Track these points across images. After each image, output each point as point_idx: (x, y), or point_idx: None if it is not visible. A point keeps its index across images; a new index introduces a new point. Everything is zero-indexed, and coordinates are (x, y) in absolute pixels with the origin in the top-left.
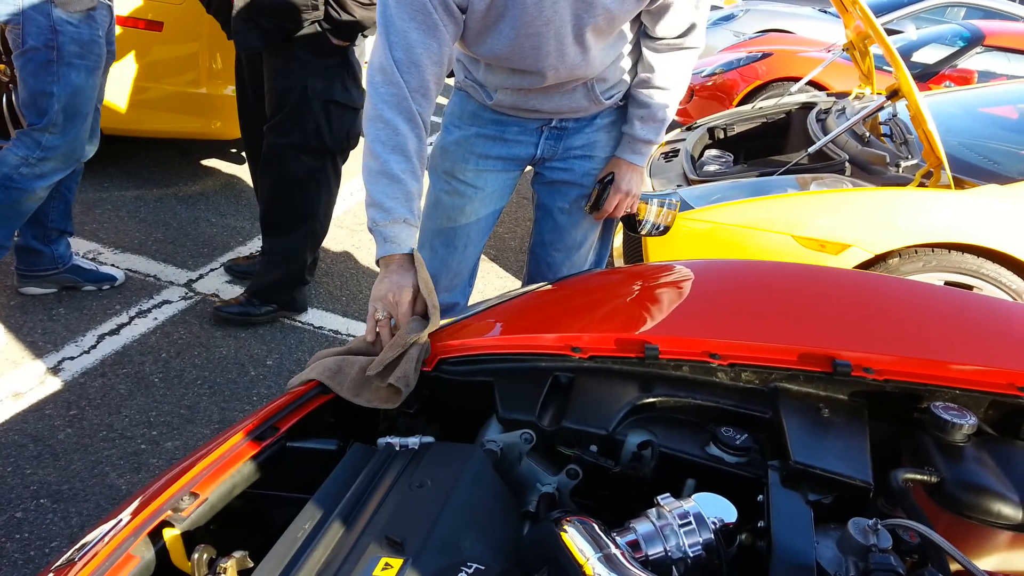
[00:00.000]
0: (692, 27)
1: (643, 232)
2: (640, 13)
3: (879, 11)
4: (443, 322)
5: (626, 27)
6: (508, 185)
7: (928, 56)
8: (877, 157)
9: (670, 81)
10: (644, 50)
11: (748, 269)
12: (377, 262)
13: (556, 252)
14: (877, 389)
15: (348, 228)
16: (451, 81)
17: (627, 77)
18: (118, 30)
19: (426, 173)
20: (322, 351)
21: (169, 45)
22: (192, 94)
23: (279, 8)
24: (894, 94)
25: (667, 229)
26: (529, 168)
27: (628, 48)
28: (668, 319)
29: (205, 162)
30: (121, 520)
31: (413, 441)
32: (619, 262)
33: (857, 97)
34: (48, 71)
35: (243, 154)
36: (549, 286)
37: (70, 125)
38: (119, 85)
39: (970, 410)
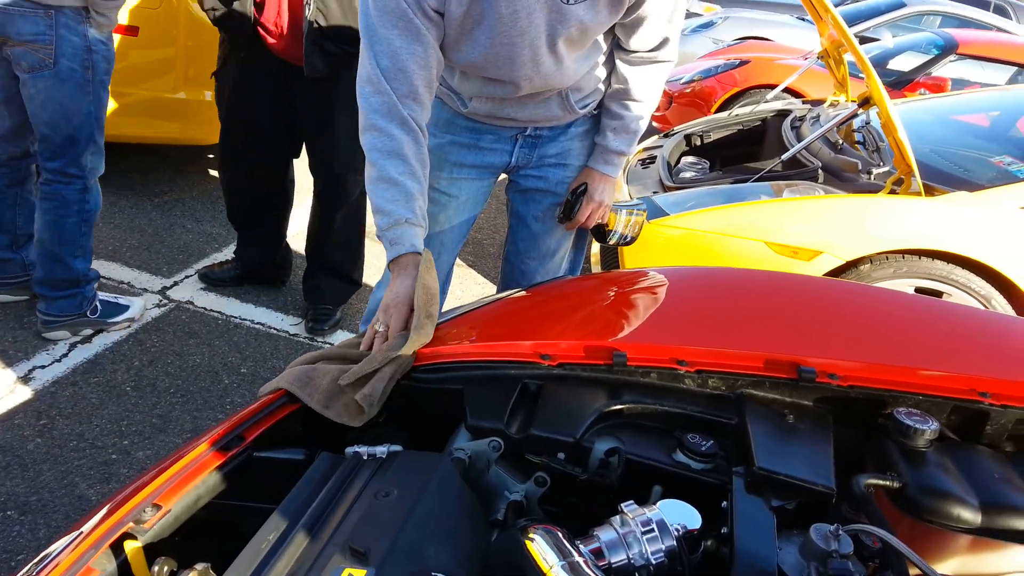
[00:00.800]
0: (665, 41)
1: (611, 242)
2: (614, 25)
3: (856, 19)
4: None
5: (600, 38)
6: (483, 193)
7: (904, 64)
8: (849, 164)
9: (643, 93)
10: (617, 62)
11: (717, 276)
12: (389, 268)
13: (530, 260)
14: (842, 395)
15: None
16: None
17: (601, 86)
18: None
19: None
20: (298, 358)
21: (145, 50)
22: (170, 99)
23: (343, 33)
24: (866, 102)
25: (635, 239)
26: (504, 175)
27: (602, 58)
28: (637, 326)
29: (182, 167)
30: (82, 532)
31: (381, 450)
32: (596, 269)
33: (832, 105)
34: (85, 91)
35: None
36: (522, 292)
37: (101, 140)
38: None
39: (933, 415)
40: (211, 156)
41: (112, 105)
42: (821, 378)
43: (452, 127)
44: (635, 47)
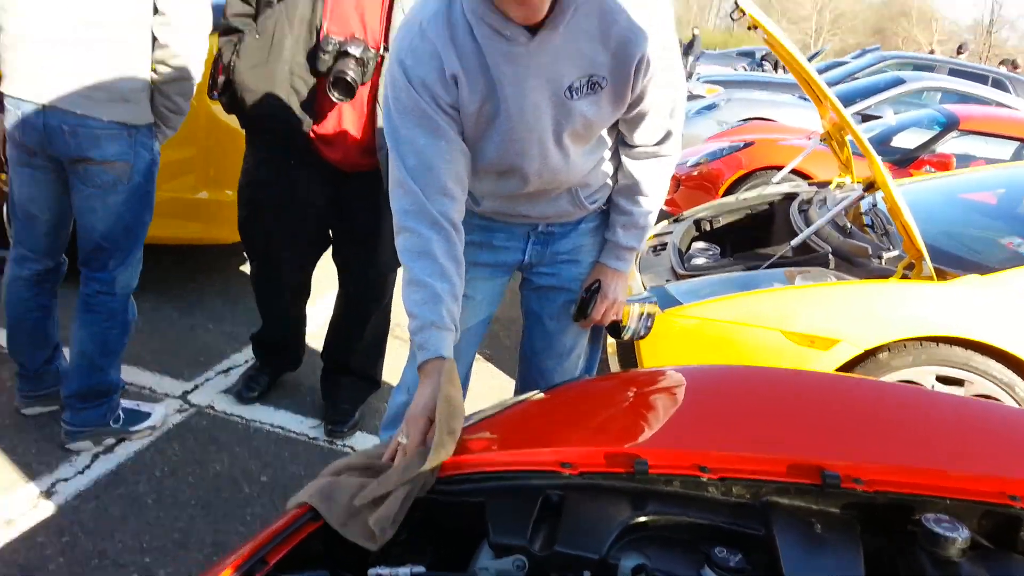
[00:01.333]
0: (668, 135)
1: (626, 337)
2: (618, 121)
3: (856, 96)
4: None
5: (604, 133)
6: (497, 291)
7: (907, 141)
8: (859, 249)
9: (650, 188)
10: (623, 158)
11: (736, 375)
12: (418, 372)
13: (547, 359)
14: (868, 501)
15: None
16: None
17: (609, 182)
18: None
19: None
20: (326, 468)
21: (167, 150)
22: (190, 200)
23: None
24: (871, 186)
25: (648, 332)
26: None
27: (608, 154)
28: (658, 430)
29: (201, 267)
30: None
31: (403, 572)
32: (613, 364)
33: (838, 186)
34: (146, 202)
35: (245, 261)
36: (541, 395)
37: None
38: None
39: (963, 521)
40: (230, 255)
41: None
42: (846, 483)
43: (465, 227)
44: (638, 141)
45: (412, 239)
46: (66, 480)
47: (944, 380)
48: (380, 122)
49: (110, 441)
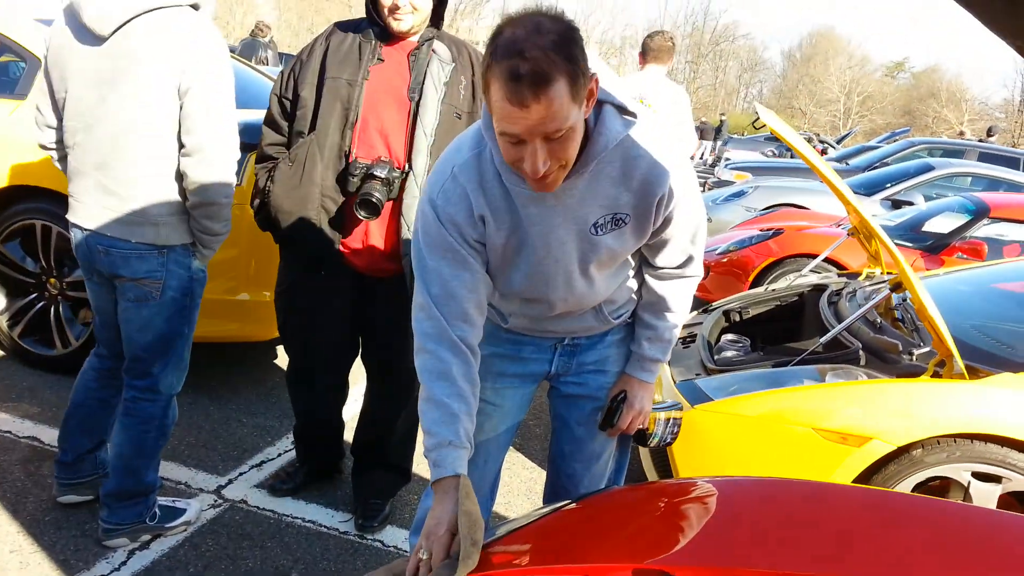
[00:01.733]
0: (690, 259)
1: (652, 444)
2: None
3: (885, 182)
4: None
5: (628, 256)
6: (526, 400)
7: (939, 226)
8: (890, 345)
9: (674, 304)
10: (646, 277)
11: (767, 488)
12: (431, 488)
13: (576, 463)
14: None
15: None
16: None
17: (634, 296)
18: None
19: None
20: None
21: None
22: (230, 301)
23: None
24: (898, 286)
25: (675, 439)
26: None
27: (632, 271)
28: (686, 546)
29: (236, 361)
30: None
31: None
32: (647, 462)
33: (868, 277)
34: (183, 316)
35: (279, 356)
36: (572, 505)
37: (188, 355)
38: None
39: None
40: (266, 349)
41: None
42: None
43: (494, 339)
44: (661, 264)
45: (432, 361)
46: None
47: (980, 476)
48: (404, 232)
49: (146, 537)
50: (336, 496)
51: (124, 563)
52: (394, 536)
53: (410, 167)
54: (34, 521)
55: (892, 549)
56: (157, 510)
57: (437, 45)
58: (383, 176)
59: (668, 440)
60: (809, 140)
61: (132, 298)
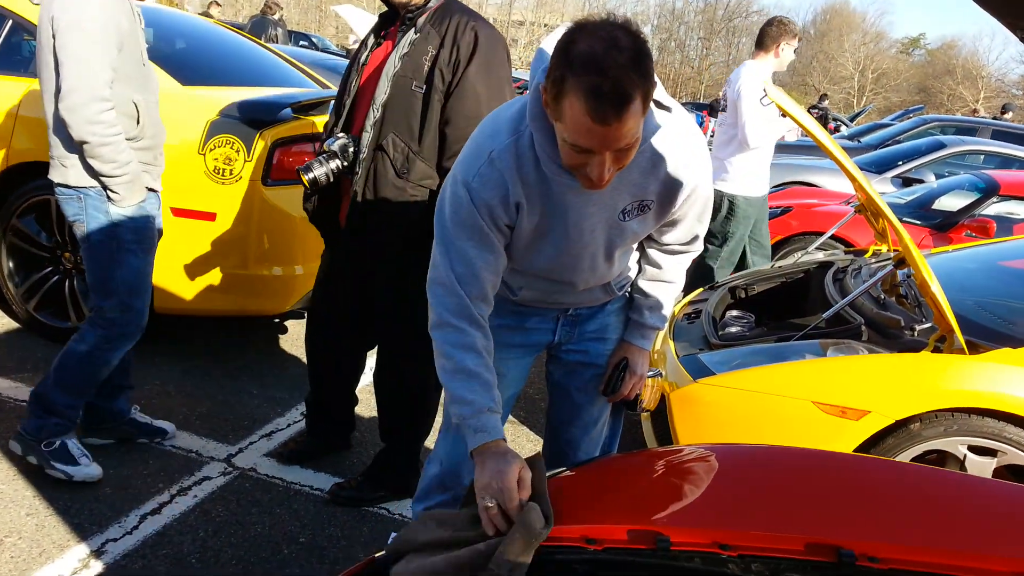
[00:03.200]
0: (695, 237)
1: (639, 409)
2: None
3: (897, 159)
4: None
5: None
6: (526, 369)
7: (949, 204)
8: (892, 321)
9: (674, 276)
10: (651, 251)
11: (760, 454)
12: (471, 456)
13: (574, 429)
14: None
15: None
16: None
17: (634, 266)
18: (174, 220)
19: None
20: (406, 543)
21: (220, 231)
22: (240, 275)
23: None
24: (901, 261)
25: (655, 405)
26: None
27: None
28: (680, 507)
29: (248, 334)
30: None
31: None
32: (648, 432)
33: (874, 255)
34: (114, 260)
35: (285, 324)
36: (568, 472)
37: (134, 302)
38: (172, 270)
39: None
40: (277, 324)
41: (187, 283)
42: (861, 561)
43: (500, 311)
44: (668, 241)
45: (457, 335)
46: (115, 540)
47: (976, 450)
48: (357, 197)
49: (156, 503)
50: (344, 466)
51: (136, 527)
52: (400, 504)
53: (359, 140)
54: (50, 486)
55: (881, 509)
56: (59, 445)
57: (420, 17)
58: (334, 149)
59: (652, 408)
60: (823, 118)
61: (76, 238)
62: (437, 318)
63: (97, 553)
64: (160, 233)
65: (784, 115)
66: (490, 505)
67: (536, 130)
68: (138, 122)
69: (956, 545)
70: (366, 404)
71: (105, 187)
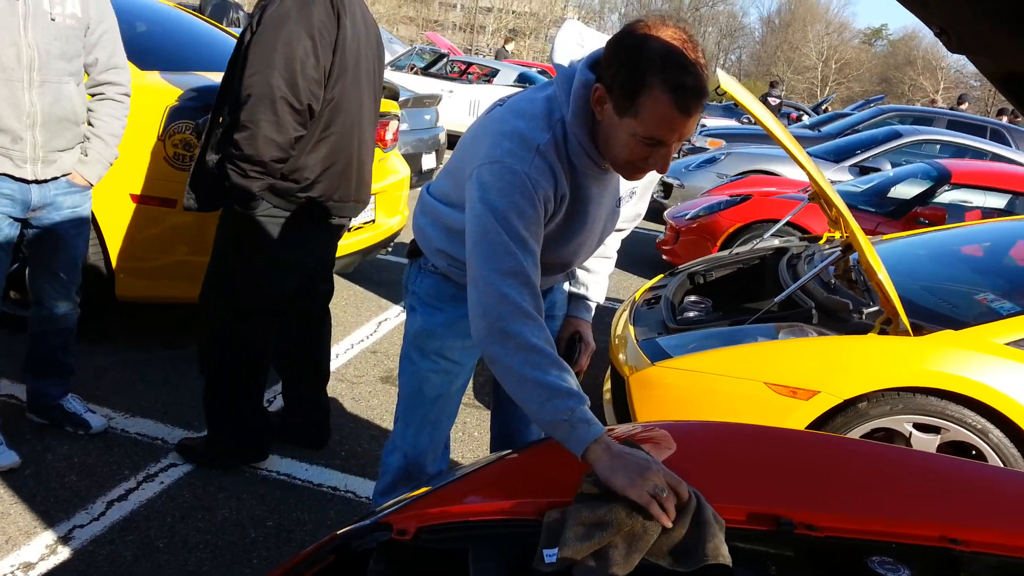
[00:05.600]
0: (639, 215)
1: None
2: None
3: (855, 148)
4: (424, 489)
5: None
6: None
7: (903, 192)
8: (841, 304)
9: (614, 252)
10: None
11: (705, 431)
12: (583, 455)
13: None
14: (820, 545)
15: (348, 381)
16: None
17: None
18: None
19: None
20: (574, 547)
21: (182, 218)
22: (202, 262)
23: None
24: (848, 247)
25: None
26: None
27: None
28: None
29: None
30: None
31: None
32: (609, 412)
33: (828, 241)
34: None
35: None
36: (515, 455)
37: None
38: (133, 257)
39: (908, 564)
40: None
41: (147, 269)
42: (800, 530)
43: (458, 300)
44: (621, 224)
45: (539, 328)
46: (82, 526)
47: (921, 428)
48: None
49: (122, 490)
50: (309, 451)
51: (103, 513)
52: (366, 487)
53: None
54: (14, 475)
55: (820, 481)
56: (65, 406)
57: None
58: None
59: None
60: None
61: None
62: (515, 310)
63: (64, 539)
64: (18, 225)
65: (737, 104)
66: (665, 495)
67: (578, 126)
68: None
69: (889, 512)
70: (331, 389)
71: None
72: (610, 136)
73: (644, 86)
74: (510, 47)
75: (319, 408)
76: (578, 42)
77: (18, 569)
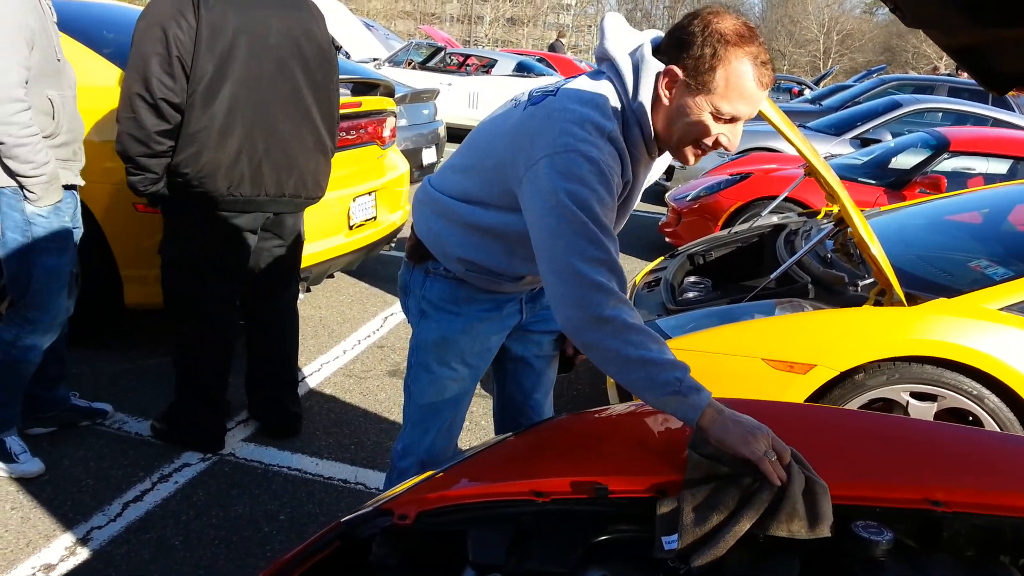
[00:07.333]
0: None
1: (573, 368)
2: None
3: (855, 120)
4: (425, 475)
5: None
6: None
7: (903, 162)
8: (836, 278)
9: None
10: None
11: None
12: (697, 421)
13: (538, 394)
14: None
15: (356, 376)
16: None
17: None
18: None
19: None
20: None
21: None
22: None
23: None
24: (841, 221)
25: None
26: None
27: None
28: (620, 459)
29: None
30: None
31: None
32: (612, 394)
33: (826, 216)
34: (27, 259)
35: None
36: (511, 438)
37: (51, 300)
38: (141, 265)
39: (890, 526)
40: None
41: (157, 276)
42: None
43: (473, 301)
44: None
45: (631, 310)
46: (100, 528)
47: (918, 396)
48: None
49: (138, 491)
50: (319, 446)
51: (120, 514)
52: (376, 479)
53: None
54: (32, 481)
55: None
56: (77, 404)
57: None
58: None
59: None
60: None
61: None
62: (611, 296)
63: (83, 541)
64: (80, 230)
65: None
66: (773, 458)
67: (647, 112)
68: (54, 118)
69: (873, 478)
70: (339, 385)
71: (22, 187)
72: (678, 117)
73: (725, 61)
74: (564, 40)
75: (278, 404)
76: (627, 33)
77: (39, 571)
